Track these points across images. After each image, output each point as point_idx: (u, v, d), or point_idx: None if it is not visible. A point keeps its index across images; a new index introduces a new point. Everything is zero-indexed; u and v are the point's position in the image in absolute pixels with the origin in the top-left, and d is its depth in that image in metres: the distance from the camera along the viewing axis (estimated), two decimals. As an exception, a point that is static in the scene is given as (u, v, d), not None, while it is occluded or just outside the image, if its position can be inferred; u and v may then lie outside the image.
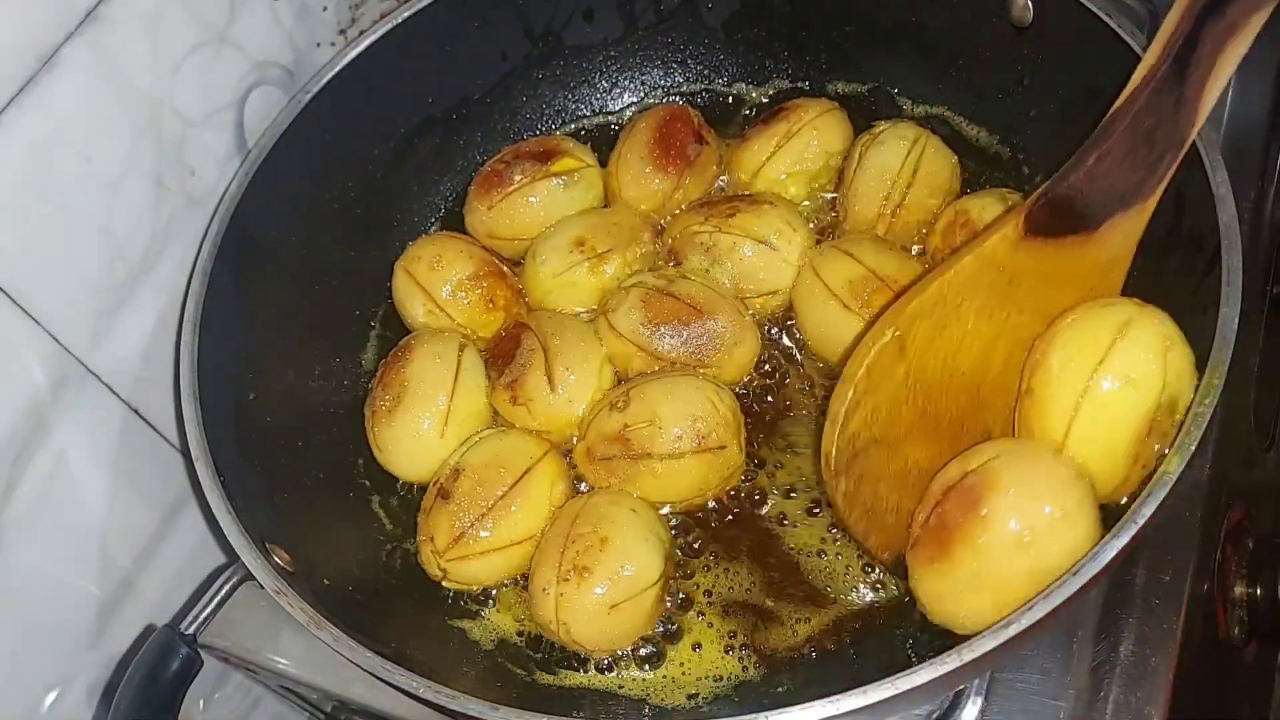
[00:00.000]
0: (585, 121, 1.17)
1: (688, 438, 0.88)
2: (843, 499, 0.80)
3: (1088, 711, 0.85)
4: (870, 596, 0.86)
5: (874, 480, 0.80)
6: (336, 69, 0.99)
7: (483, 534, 0.87)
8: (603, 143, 1.14)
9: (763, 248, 0.97)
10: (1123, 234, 0.79)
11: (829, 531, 0.89)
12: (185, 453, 0.99)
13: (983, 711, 0.86)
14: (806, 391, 0.96)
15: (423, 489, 0.94)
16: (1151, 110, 0.75)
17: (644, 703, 0.84)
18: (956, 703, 0.86)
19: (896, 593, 0.85)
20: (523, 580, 0.90)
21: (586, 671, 0.86)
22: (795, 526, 0.90)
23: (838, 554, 0.88)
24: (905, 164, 0.98)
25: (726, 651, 0.85)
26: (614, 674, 0.85)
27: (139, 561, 0.97)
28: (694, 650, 0.86)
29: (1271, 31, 1.12)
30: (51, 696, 0.92)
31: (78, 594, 0.93)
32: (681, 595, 0.88)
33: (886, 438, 0.79)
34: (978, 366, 0.80)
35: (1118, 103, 0.76)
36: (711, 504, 0.92)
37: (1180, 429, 0.71)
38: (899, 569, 0.82)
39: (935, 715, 0.86)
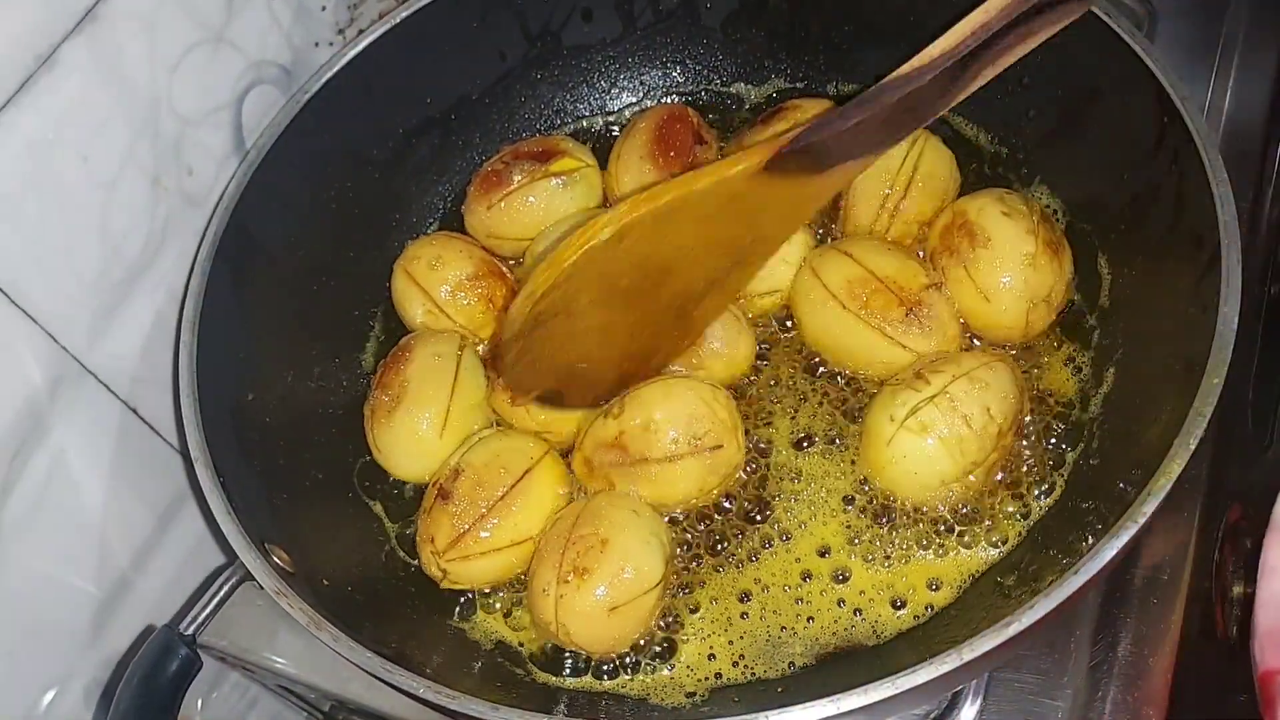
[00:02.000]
0: (584, 121, 1.17)
1: (684, 440, 0.88)
2: (513, 359, 0.85)
3: (1085, 711, 0.86)
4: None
5: (545, 342, 0.84)
6: (335, 69, 0.99)
7: (483, 534, 0.87)
8: (602, 143, 1.14)
9: (762, 248, 0.97)
10: (844, 174, 0.85)
11: (832, 536, 0.89)
12: (183, 452, 0.99)
13: (981, 711, 0.86)
14: (806, 391, 0.96)
15: (422, 489, 0.94)
16: (923, 92, 0.78)
17: (644, 703, 0.84)
18: (955, 703, 0.86)
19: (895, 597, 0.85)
20: (523, 581, 0.90)
21: (587, 672, 0.86)
22: (797, 526, 0.90)
23: (838, 555, 0.88)
24: (904, 164, 0.98)
25: (728, 652, 0.85)
26: (615, 674, 0.85)
27: (137, 561, 0.97)
28: (695, 651, 0.85)
29: (1268, 33, 1.13)
30: (49, 696, 0.92)
31: (75, 593, 0.93)
32: (685, 593, 0.88)
33: (570, 309, 0.82)
34: (674, 255, 0.84)
35: (895, 75, 0.78)
36: (713, 504, 0.92)
37: (1180, 429, 0.71)
38: (544, 401, 0.91)
39: (934, 715, 0.86)
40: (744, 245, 0.88)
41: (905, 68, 0.78)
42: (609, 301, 0.84)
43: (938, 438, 0.85)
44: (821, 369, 0.97)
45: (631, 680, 0.85)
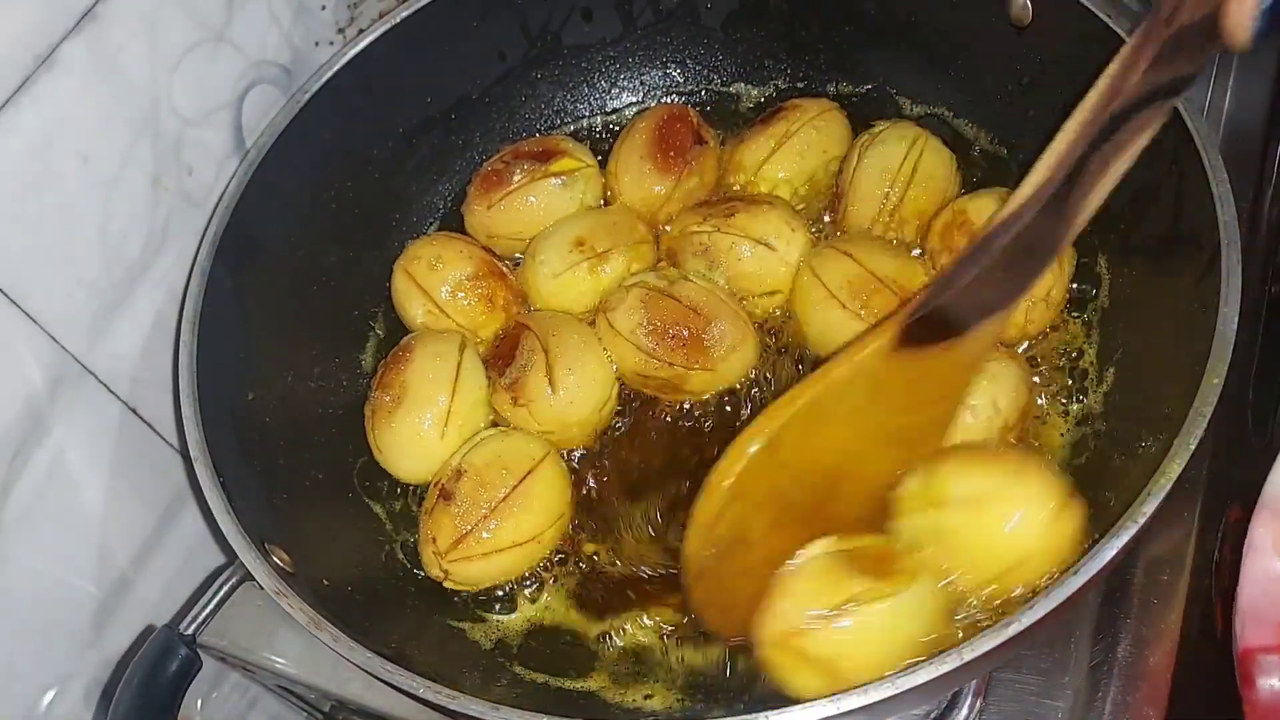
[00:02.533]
0: (584, 121, 1.17)
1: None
2: (700, 601, 0.81)
3: (1085, 711, 0.86)
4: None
5: (731, 576, 0.80)
6: (335, 68, 0.99)
7: (485, 535, 0.87)
8: (602, 143, 1.14)
9: (761, 248, 0.97)
10: (987, 337, 0.81)
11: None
12: (183, 452, 0.99)
13: (981, 711, 0.86)
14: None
15: (422, 490, 0.94)
16: (1033, 229, 0.75)
17: (645, 703, 0.84)
18: (954, 703, 0.86)
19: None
20: (524, 580, 0.90)
21: (588, 673, 0.86)
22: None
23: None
24: (904, 164, 0.98)
25: (730, 652, 0.85)
26: (616, 675, 0.85)
27: (136, 561, 0.97)
28: (696, 652, 0.86)
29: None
30: (49, 696, 0.92)
31: (75, 593, 0.93)
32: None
33: (746, 536, 0.80)
34: (839, 461, 0.81)
35: (999, 219, 0.75)
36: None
37: (1180, 429, 0.71)
38: (743, 646, 0.82)
39: (933, 715, 0.86)
40: (914, 431, 0.83)
41: (1005, 210, 0.75)
42: (785, 524, 0.80)
43: None
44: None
45: (634, 681, 0.85)
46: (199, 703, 1.02)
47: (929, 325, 0.78)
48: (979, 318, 0.79)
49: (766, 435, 0.77)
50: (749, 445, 0.77)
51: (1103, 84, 0.73)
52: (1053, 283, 0.91)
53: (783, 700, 0.67)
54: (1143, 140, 0.74)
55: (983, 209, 0.93)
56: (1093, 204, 0.75)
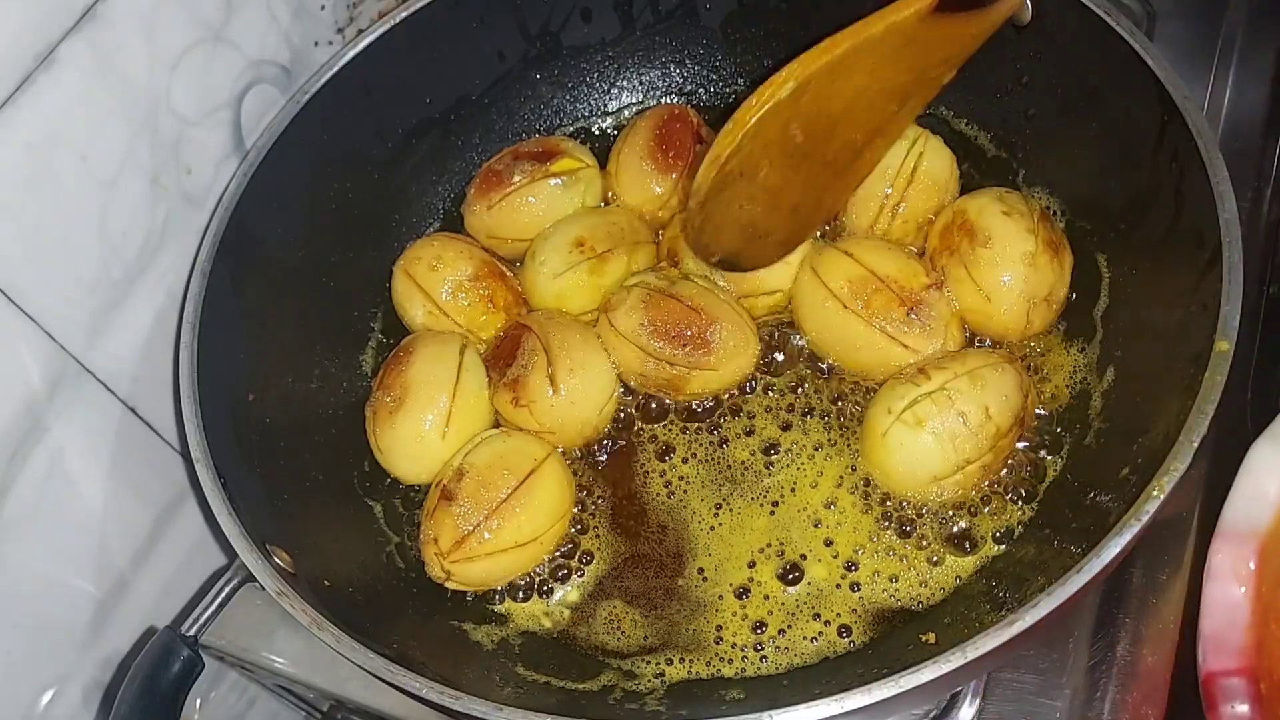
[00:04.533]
0: (584, 122, 1.17)
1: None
2: (700, 224, 0.86)
3: (1084, 711, 0.86)
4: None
5: (726, 204, 0.86)
6: (335, 69, 0.99)
7: (487, 536, 0.87)
8: (601, 143, 1.14)
9: (764, 247, 0.97)
10: (1006, 7, 0.86)
11: (825, 545, 0.89)
12: (182, 452, 0.99)
13: (980, 711, 0.86)
14: (806, 391, 0.96)
15: (422, 490, 0.94)
16: None
17: (644, 704, 0.84)
18: (955, 702, 0.86)
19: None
20: (525, 580, 0.91)
21: (590, 673, 0.86)
22: (795, 527, 0.90)
23: (842, 550, 0.88)
24: (905, 163, 0.98)
25: (736, 654, 0.85)
26: (617, 675, 0.85)
27: (135, 561, 0.97)
28: (698, 654, 0.86)
29: (1267, 33, 1.13)
30: (48, 696, 0.92)
31: (74, 593, 0.93)
32: (693, 607, 0.88)
33: (750, 170, 0.84)
34: (844, 108, 0.86)
35: None
36: (714, 506, 0.92)
37: (1181, 429, 0.71)
38: (723, 265, 0.95)
39: (933, 715, 0.86)
40: (909, 89, 0.89)
41: None
42: (784, 160, 0.85)
43: (932, 433, 0.85)
44: (825, 367, 0.97)
45: (635, 680, 0.85)
46: (198, 702, 1.02)
47: None
48: None
49: (797, 81, 0.80)
50: (780, 89, 0.80)
51: None
52: (1054, 282, 0.92)
53: (784, 700, 0.67)
54: None
55: (983, 208, 0.93)
56: None
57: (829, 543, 0.89)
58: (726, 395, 0.97)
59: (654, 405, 0.98)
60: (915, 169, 0.98)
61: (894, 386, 0.88)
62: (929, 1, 0.82)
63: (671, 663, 0.86)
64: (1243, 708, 0.73)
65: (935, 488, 0.87)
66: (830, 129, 0.85)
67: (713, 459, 0.94)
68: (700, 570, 0.89)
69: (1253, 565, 0.75)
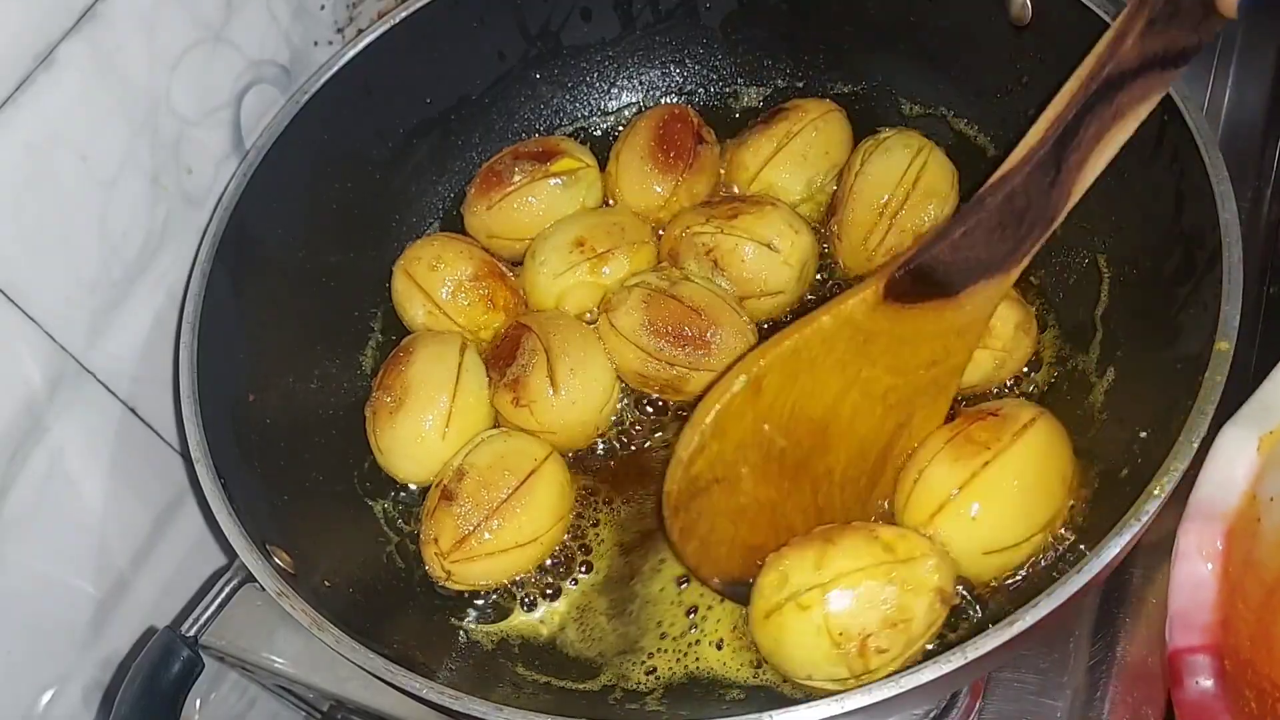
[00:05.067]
0: (584, 122, 1.17)
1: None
2: (679, 534, 0.81)
3: (1085, 711, 0.86)
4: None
5: (711, 515, 0.81)
6: (335, 69, 0.99)
7: (487, 536, 0.87)
8: (602, 143, 1.14)
9: (764, 249, 0.97)
10: (982, 300, 0.81)
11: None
12: (182, 452, 0.99)
13: (980, 711, 0.86)
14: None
15: (422, 490, 0.94)
16: (1025, 191, 0.75)
17: (644, 704, 0.84)
18: (953, 702, 0.86)
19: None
20: (526, 582, 0.91)
21: (590, 674, 0.86)
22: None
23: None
24: (907, 173, 0.97)
25: (740, 656, 0.85)
26: (617, 675, 0.85)
27: (135, 561, 0.97)
28: (698, 654, 0.86)
29: (1267, 33, 1.13)
30: (47, 696, 0.92)
31: (73, 593, 0.93)
32: (693, 608, 0.88)
33: (729, 477, 0.80)
34: (827, 414, 0.82)
35: (992, 179, 0.76)
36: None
37: (1182, 429, 0.71)
38: (728, 592, 0.85)
39: (933, 715, 0.86)
40: (903, 395, 0.83)
41: (999, 170, 0.76)
42: (769, 470, 0.81)
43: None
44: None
45: (635, 679, 0.85)
46: (198, 703, 1.02)
47: (918, 280, 0.78)
48: (969, 279, 0.79)
49: (749, 375, 0.77)
50: (731, 384, 0.77)
51: (1099, 48, 0.73)
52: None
53: (784, 700, 0.67)
54: (1141, 113, 0.74)
55: None
56: (1088, 175, 0.76)
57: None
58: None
59: (654, 405, 0.98)
60: (917, 179, 0.97)
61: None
62: (873, 291, 0.78)
63: (672, 663, 0.85)
64: (1207, 683, 0.74)
65: None
66: (820, 438, 0.81)
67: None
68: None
69: (1220, 545, 0.75)
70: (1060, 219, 0.78)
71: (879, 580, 0.75)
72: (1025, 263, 0.80)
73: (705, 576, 0.84)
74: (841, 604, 0.75)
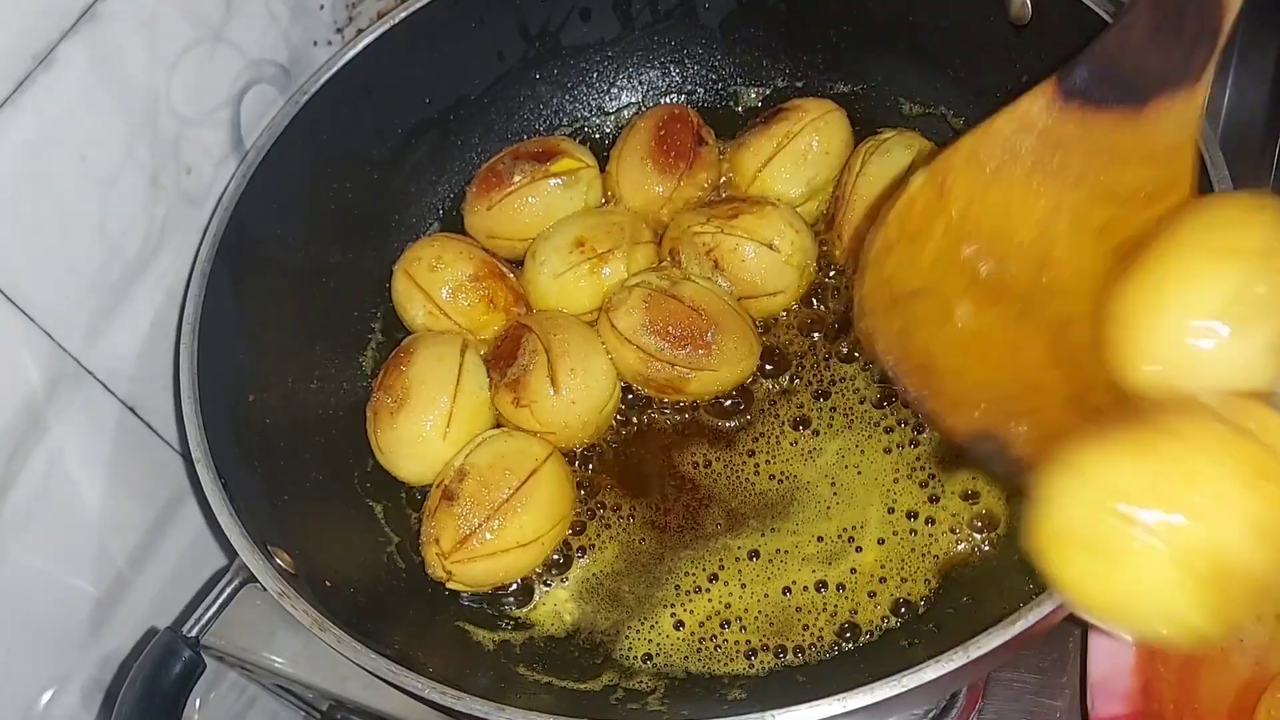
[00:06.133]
0: (583, 122, 1.17)
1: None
2: (883, 341, 0.75)
3: (1084, 710, 0.86)
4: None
5: (924, 335, 0.75)
6: (334, 69, 0.99)
7: (488, 536, 0.87)
8: (601, 143, 1.14)
9: (765, 249, 0.97)
10: (1175, 118, 0.74)
11: (825, 545, 0.89)
12: (182, 452, 0.98)
13: (980, 710, 0.87)
14: (806, 393, 0.97)
15: (423, 490, 0.94)
16: None
17: (645, 704, 0.84)
18: (953, 702, 0.86)
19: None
20: (527, 582, 0.91)
21: (592, 674, 0.86)
22: (796, 528, 0.90)
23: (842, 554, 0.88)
24: (907, 173, 0.98)
25: (744, 656, 0.85)
26: (618, 675, 0.85)
27: (135, 561, 0.97)
28: (703, 655, 0.86)
29: (1267, 33, 1.13)
30: (47, 696, 0.92)
31: (73, 593, 0.92)
32: (697, 606, 0.88)
33: (933, 291, 0.74)
34: (1036, 241, 0.75)
35: None
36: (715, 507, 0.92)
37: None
38: (967, 447, 0.73)
39: (932, 715, 0.86)
40: (1126, 229, 0.74)
41: None
42: (985, 300, 0.74)
43: None
44: (825, 369, 0.97)
45: (637, 680, 0.85)
46: (197, 702, 1.02)
47: (1096, 80, 0.73)
48: (1152, 88, 0.73)
49: (929, 173, 0.74)
50: (910, 182, 0.74)
51: None
52: None
53: (785, 700, 0.67)
54: None
55: None
56: None
57: (832, 545, 0.89)
58: (727, 396, 0.97)
59: (655, 406, 0.98)
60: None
61: None
62: (1049, 84, 0.74)
63: (672, 662, 0.86)
64: None
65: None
66: (1036, 270, 0.75)
67: (712, 459, 0.94)
68: (699, 562, 0.89)
69: None
70: (1225, 30, 0.72)
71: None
72: (1205, 79, 0.73)
73: (933, 413, 0.75)
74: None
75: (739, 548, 0.90)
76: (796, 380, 0.97)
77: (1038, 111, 0.74)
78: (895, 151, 1.00)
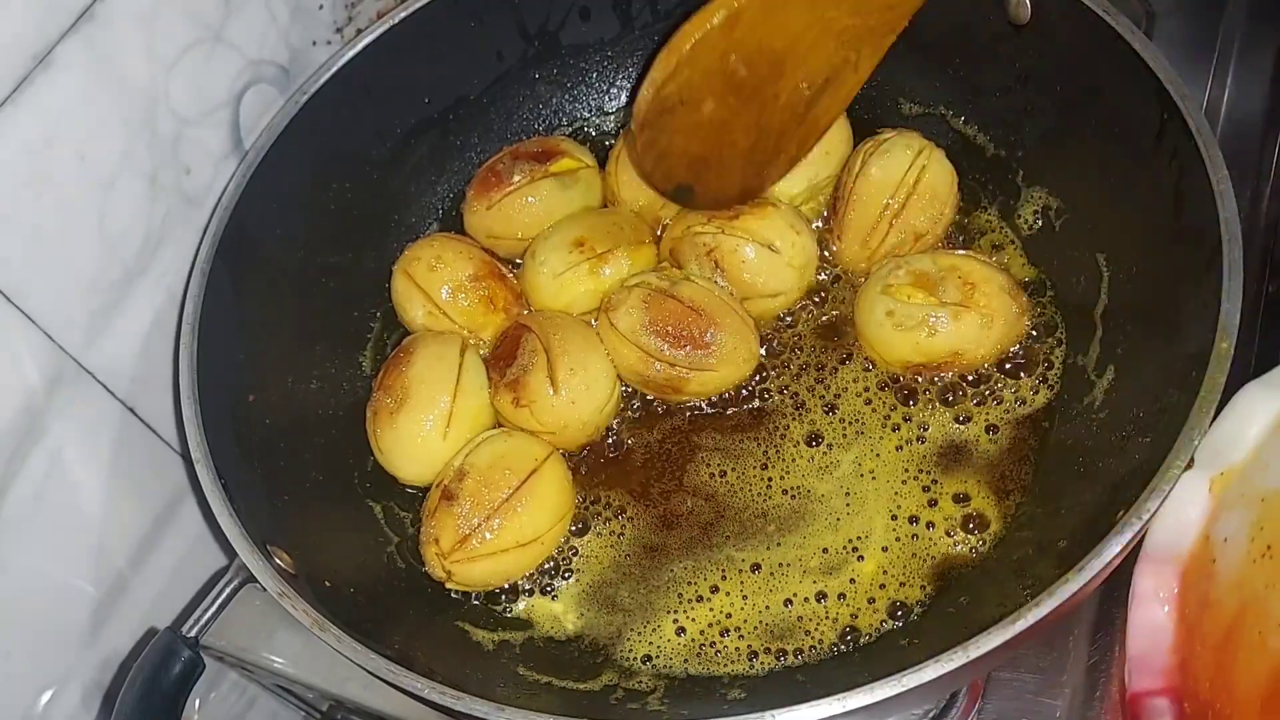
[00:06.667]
0: (583, 122, 1.17)
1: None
2: (642, 147, 0.91)
3: (1084, 710, 0.86)
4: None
5: (670, 132, 0.90)
6: (334, 69, 0.99)
7: (488, 536, 0.87)
8: (601, 143, 1.14)
9: (766, 250, 0.97)
10: None
11: (825, 550, 0.89)
12: (182, 452, 0.98)
13: (979, 710, 0.86)
14: (804, 394, 0.96)
15: (423, 490, 0.94)
16: None
17: (645, 704, 0.84)
18: (953, 702, 0.86)
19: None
20: (526, 582, 0.91)
21: (591, 674, 0.86)
22: (794, 530, 0.90)
23: (843, 554, 0.88)
24: (908, 174, 0.98)
25: (744, 658, 0.85)
26: (618, 675, 0.85)
27: (135, 561, 0.97)
28: (703, 657, 0.86)
29: (1267, 32, 1.13)
30: (47, 696, 0.92)
31: (73, 593, 0.92)
32: (698, 603, 0.88)
33: (692, 100, 0.88)
34: (787, 47, 0.88)
35: None
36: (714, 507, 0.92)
37: (1182, 428, 0.71)
38: (677, 196, 0.97)
39: (931, 714, 0.86)
40: (857, 35, 0.90)
41: None
42: (727, 94, 0.88)
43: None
44: (825, 371, 0.97)
45: (638, 680, 0.85)
46: (196, 702, 1.02)
47: None
48: None
49: (729, 10, 0.83)
50: (712, 17, 0.83)
51: None
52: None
53: (785, 700, 0.67)
54: None
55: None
56: None
57: (836, 556, 0.89)
58: (727, 396, 0.97)
59: (654, 406, 0.98)
60: (919, 180, 0.98)
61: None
62: None
63: (672, 664, 0.85)
64: None
65: None
66: (776, 68, 0.88)
67: (712, 459, 0.94)
68: (700, 571, 0.89)
69: (1176, 588, 0.76)
70: None
71: None
72: None
73: (657, 184, 0.96)
74: None
75: (742, 559, 0.89)
76: (807, 391, 0.97)
77: None
78: (896, 151, 1.00)
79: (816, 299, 1.01)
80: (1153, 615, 0.76)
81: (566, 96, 1.15)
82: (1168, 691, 0.76)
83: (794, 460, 0.93)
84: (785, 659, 0.84)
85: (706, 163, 0.94)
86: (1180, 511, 0.76)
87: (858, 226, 0.99)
